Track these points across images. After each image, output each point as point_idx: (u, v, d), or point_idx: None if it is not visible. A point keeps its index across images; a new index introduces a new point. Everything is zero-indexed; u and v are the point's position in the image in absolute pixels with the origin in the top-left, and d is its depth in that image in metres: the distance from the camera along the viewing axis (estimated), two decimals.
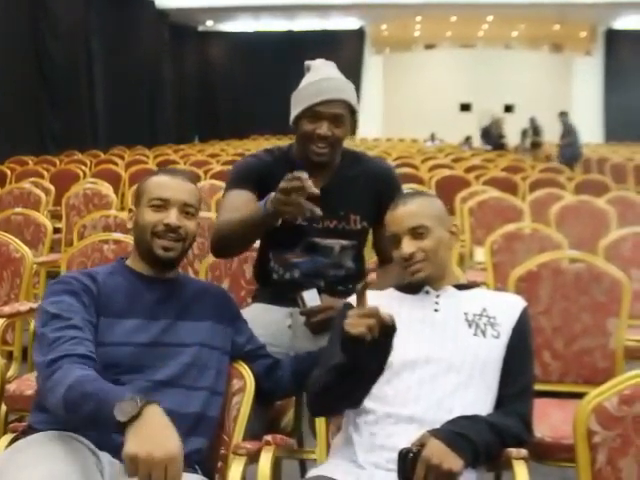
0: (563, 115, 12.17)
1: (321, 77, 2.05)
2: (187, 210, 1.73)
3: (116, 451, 1.47)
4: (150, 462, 1.24)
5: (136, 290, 1.70)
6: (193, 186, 1.80)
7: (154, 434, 1.28)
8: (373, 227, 2.17)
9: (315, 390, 1.68)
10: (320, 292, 2.02)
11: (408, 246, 1.71)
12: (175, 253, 1.72)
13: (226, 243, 2.04)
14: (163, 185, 1.74)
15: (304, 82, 2.08)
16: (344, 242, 2.11)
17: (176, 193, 1.73)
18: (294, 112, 2.06)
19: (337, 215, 2.09)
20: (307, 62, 2.13)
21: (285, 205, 1.77)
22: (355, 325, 1.49)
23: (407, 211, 1.74)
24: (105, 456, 1.48)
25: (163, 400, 1.57)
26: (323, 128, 2.00)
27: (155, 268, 1.74)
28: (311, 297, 1.98)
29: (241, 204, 2.03)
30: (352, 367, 1.56)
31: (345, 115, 2.04)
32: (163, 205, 1.71)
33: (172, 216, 1.70)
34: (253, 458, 1.64)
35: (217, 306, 1.79)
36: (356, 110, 2.08)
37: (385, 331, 1.51)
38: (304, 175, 1.75)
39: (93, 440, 1.48)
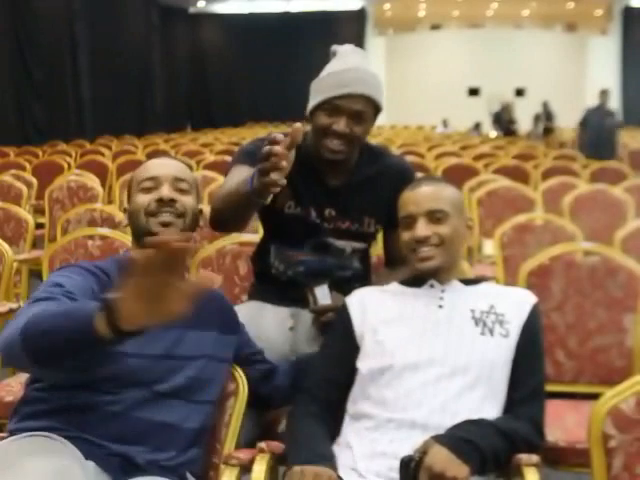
0: (604, 94, 9.89)
1: (346, 67, 1.97)
2: (180, 186, 1.71)
3: (102, 460, 1.47)
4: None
5: None
6: (183, 164, 1.79)
7: None
8: (384, 228, 2.15)
9: None
10: (331, 289, 2.00)
11: (423, 228, 1.71)
12: (176, 229, 1.68)
13: (221, 217, 1.98)
14: (150, 166, 1.75)
15: (327, 70, 2.01)
16: (356, 245, 2.09)
17: (165, 169, 1.72)
18: (312, 102, 1.98)
19: (351, 217, 2.06)
20: (334, 47, 2.07)
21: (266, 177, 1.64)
22: None
23: (428, 192, 1.74)
24: (90, 465, 1.46)
25: (164, 413, 1.56)
26: (341, 124, 1.93)
27: None
28: (323, 294, 1.96)
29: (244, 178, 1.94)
30: None
31: (367, 112, 1.96)
32: (154, 185, 1.70)
33: (164, 190, 1.68)
34: (246, 468, 1.64)
35: (221, 314, 1.76)
36: (381, 108, 2.00)
37: None
38: (278, 137, 1.61)
39: (80, 448, 1.46)
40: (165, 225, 1.67)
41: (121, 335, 1.20)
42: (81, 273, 1.57)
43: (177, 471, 1.57)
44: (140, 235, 1.70)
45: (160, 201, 1.67)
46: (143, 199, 1.69)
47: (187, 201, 1.71)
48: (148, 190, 1.70)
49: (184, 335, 1.64)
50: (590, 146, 9.23)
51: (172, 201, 1.68)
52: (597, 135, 9.19)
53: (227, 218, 1.98)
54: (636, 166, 8.11)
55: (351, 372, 1.72)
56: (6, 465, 1.33)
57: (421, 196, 1.74)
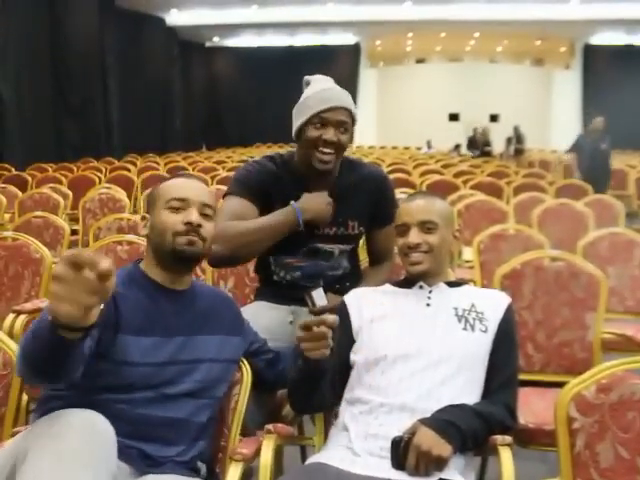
0: (596, 121, 8.19)
1: (325, 87, 2.02)
2: (206, 212, 1.60)
3: (120, 451, 1.35)
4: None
5: (154, 303, 1.57)
6: (207, 187, 1.68)
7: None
8: (367, 230, 2.16)
9: (289, 387, 1.70)
10: (325, 291, 2.01)
11: (415, 237, 1.71)
12: (198, 249, 1.57)
13: (237, 252, 1.94)
14: (180, 186, 1.61)
15: (306, 94, 2.03)
16: (342, 246, 2.10)
17: (195, 193, 1.59)
18: (299, 122, 2.00)
19: (337, 222, 2.06)
20: (306, 77, 2.09)
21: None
22: (313, 349, 1.51)
23: (421, 205, 1.74)
24: None
25: (174, 410, 1.51)
26: (330, 134, 1.95)
27: (173, 270, 1.59)
28: (319, 296, 1.97)
29: (240, 212, 1.98)
30: (312, 373, 1.59)
31: (349, 123, 2.00)
32: (182, 206, 1.57)
33: (193, 214, 1.56)
34: (251, 460, 1.60)
35: (228, 319, 1.70)
36: (356, 119, 2.04)
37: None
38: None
39: None
40: (190, 243, 1.56)
41: (73, 330, 1.13)
42: None
43: (189, 464, 1.53)
44: (163, 250, 1.58)
45: (188, 224, 1.56)
46: (171, 219, 1.57)
47: (210, 228, 1.60)
48: (176, 210, 1.57)
49: (189, 341, 1.58)
50: (584, 170, 7.95)
51: (199, 226, 1.57)
52: (590, 159, 7.95)
53: (252, 250, 2.00)
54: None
55: (344, 359, 1.71)
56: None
57: (415, 208, 1.74)
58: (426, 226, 1.71)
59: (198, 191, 1.61)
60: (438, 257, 1.73)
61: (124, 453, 1.40)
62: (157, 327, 1.54)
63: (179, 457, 1.51)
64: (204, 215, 1.60)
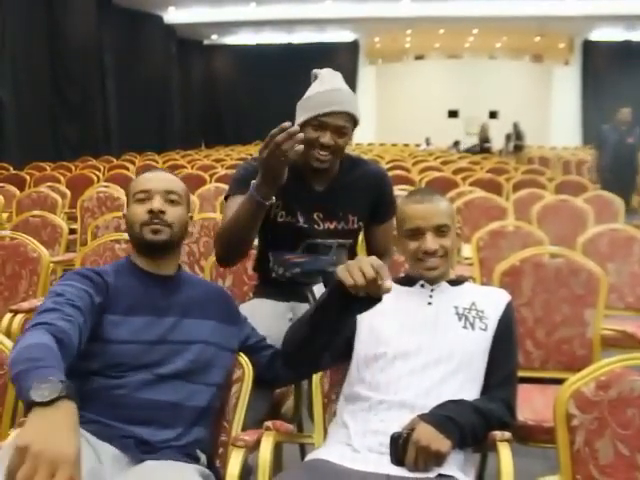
0: (625, 113, 7.54)
1: (329, 88, 2.01)
2: (171, 197, 1.68)
3: (118, 441, 1.42)
4: (39, 459, 1.06)
5: (142, 287, 1.64)
6: (174, 176, 1.76)
7: (56, 431, 1.11)
8: (366, 226, 2.17)
9: (291, 341, 1.65)
10: (326, 287, 2.00)
11: (432, 242, 1.69)
12: (165, 236, 1.65)
13: (227, 247, 1.98)
14: (144, 179, 1.72)
15: (312, 91, 2.03)
16: (341, 241, 2.11)
17: (157, 183, 1.69)
18: (300, 118, 2.00)
19: (337, 217, 2.09)
20: (315, 70, 2.08)
21: (273, 157, 1.74)
22: (351, 275, 1.37)
23: (434, 208, 1.71)
24: (106, 447, 1.42)
25: (167, 393, 1.53)
26: (326, 137, 1.97)
27: (151, 257, 1.68)
28: (320, 291, 1.97)
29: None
30: (332, 311, 1.51)
31: (348, 127, 2.00)
32: (147, 196, 1.67)
33: (155, 202, 1.66)
34: (253, 448, 1.61)
35: (220, 307, 1.73)
36: (358, 122, 2.04)
37: (373, 295, 1.41)
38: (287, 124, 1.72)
39: (95, 431, 1.42)
40: (155, 232, 1.65)
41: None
42: (79, 280, 1.56)
43: (187, 449, 1.54)
44: (136, 241, 1.69)
45: (151, 212, 1.65)
46: (137, 210, 1.67)
47: (176, 212, 1.68)
48: (142, 201, 1.68)
49: (180, 322, 1.62)
50: (608, 166, 7.42)
51: (162, 212, 1.65)
52: (614, 153, 7.45)
53: (235, 242, 1.96)
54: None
55: (345, 341, 1.70)
56: None
57: (429, 212, 1.70)
58: (441, 230, 1.70)
59: (161, 181, 1.71)
60: (450, 259, 1.74)
61: (121, 442, 1.43)
62: (146, 308, 1.61)
63: (175, 441, 1.52)
64: (169, 201, 1.69)
